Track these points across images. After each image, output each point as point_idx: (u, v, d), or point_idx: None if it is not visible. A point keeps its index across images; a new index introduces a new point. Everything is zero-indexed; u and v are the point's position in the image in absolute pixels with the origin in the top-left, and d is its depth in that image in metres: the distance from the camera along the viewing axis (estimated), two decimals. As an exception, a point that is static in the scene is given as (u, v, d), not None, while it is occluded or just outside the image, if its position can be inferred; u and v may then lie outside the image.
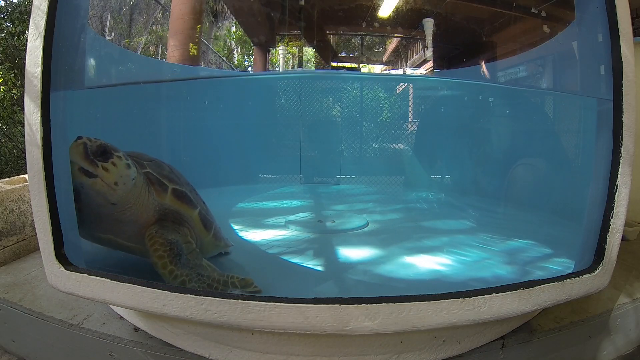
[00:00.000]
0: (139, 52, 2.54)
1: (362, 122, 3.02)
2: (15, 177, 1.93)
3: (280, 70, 3.17)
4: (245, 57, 3.47)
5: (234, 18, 3.36)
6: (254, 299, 0.96)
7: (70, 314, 1.25)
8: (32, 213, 1.10)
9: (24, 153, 1.21)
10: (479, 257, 1.55)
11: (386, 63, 3.47)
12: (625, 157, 1.08)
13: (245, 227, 1.86)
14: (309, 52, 3.23)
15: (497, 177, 2.40)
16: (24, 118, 1.10)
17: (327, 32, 3.21)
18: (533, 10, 2.08)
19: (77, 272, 1.03)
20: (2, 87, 3.98)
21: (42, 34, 1.00)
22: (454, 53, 3.13)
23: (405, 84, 3.04)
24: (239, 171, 2.80)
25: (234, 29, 3.37)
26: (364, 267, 1.46)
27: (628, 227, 1.89)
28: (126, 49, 2.34)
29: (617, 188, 1.09)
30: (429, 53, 2.86)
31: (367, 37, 3.37)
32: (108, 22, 2.05)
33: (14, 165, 3.85)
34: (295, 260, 1.51)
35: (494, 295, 1.01)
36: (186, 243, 1.18)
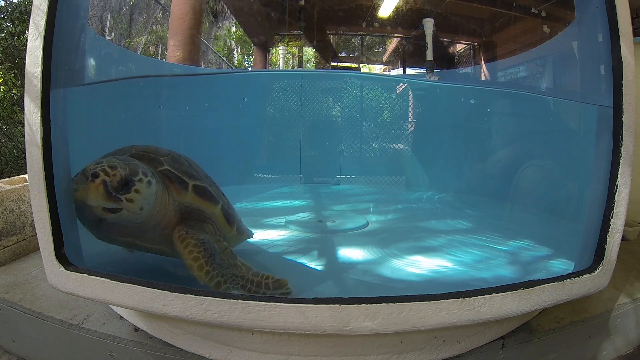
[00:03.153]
0: (139, 52, 2.54)
1: (362, 122, 3.02)
2: (15, 177, 1.93)
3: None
4: (245, 57, 3.47)
5: (234, 18, 3.37)
6: (253, 299, 0.96)
7: (70, 314, 1.25)
8: (32, 213, 1.10)
9: (24, 153, 1.21)
10: (479, 257, 1.55)
11: (386, 63, 3.48)
12: (625, 157, 1.08)
13: (245, 227, 1.86)
14: (309, 52, 3.23)
15: (497, 177, 2.40)
16: (24, 118, 1.09)
17: (327, 32, 3.21)
18: (533, 10, 2.08)
19: (77, 272, 1.03)
20: (2, 87, 3.98)
21: (42, 34, 1.00)
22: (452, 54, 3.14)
23: (405, 84, 3.04)
24: (239, 171, 2.80)
25: (234, 29, 3.37)
26: (364, 267, 1.46)
27: (628, 227, 1.89)
28: (126, 48, 2.34)
29: (617, 188, 1.09)
30: (429, 53, 2.86)
31: (367, 37, 3.37)
32: (108, 22, 2.05)
33: (14, 165, 3.85)
34: (296, 260, 1.51)
35: (494, 295, 1.01)
36: (217, 242, 1.14)
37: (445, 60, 3.13)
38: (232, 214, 1.30)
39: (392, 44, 3.37)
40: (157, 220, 1.10)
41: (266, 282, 1.09)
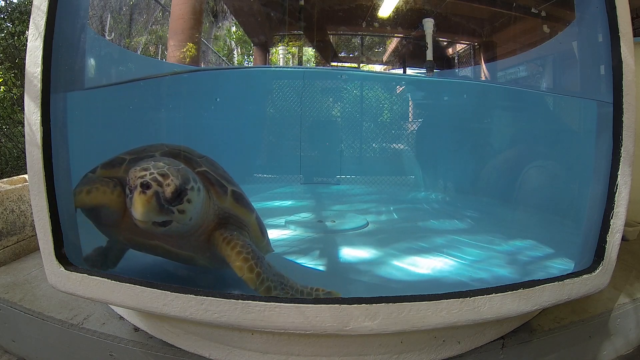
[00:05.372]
0: (139, 52, 2.54)
1: (362, 122, 3.02)
2: (15, 177, 1.93)
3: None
4: (245, 57, 3.47)
5: (234, 18, 3.36)
6: (254, 299, 0.96)
7: (70, 314, 1.25)
8: (32, 213, 1.10)
9: (24, 153, 1.21)
10: (479, 257, 1.55)
11: (386, 63, 3.48)
12: (625, 157, 1.09)
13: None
14: (309, 52, 3.23)
15: (497, 177, 2.40)
16: (24, 118, 1.09)
17: (328, 32, 3.21)
18: (533, 10, 2.08)
19: (77, 272, 1.03)
20: (2, 87, 3.98)
21: (42, 34, 1.00)
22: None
23: (405, 85, 3.04)
24: (239, 171, 2.80)
25: (234, 29, 3.37)
26: (364, 267, 1.46)
27: (628, 227, 1.89)
28: (126, 48, 2.34)
29: (617, 188, 1.09)
30: (429, 53, 2.86)
31: (367, 37, 3.37)
32: (108, 22, 2.05)
33: (14, 165, 3.85)
34: (296, 260, 1.51)
35: (493, 295, 1.01)
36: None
37: (445, 61, 3.13)
38: (263, 224, 1.23)
39: (392, 44, 3.37)
40: (197, 226, 1.02)
41: (317, 293, 1.04)
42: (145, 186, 0.84)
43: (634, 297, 1.41)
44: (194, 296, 0.96)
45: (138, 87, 2.05)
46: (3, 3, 4.24)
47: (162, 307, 0.98)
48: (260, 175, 2.86)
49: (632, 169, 1.10)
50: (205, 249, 1.07)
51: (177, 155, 1.07)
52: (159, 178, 0.86)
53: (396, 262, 1.49)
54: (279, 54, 3.16)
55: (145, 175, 0.85)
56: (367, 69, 3.47)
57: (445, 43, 3.11)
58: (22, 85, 3.29)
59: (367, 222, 2.00)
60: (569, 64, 1.77)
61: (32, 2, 1.02)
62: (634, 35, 1.11)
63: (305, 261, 1.51)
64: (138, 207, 0.85)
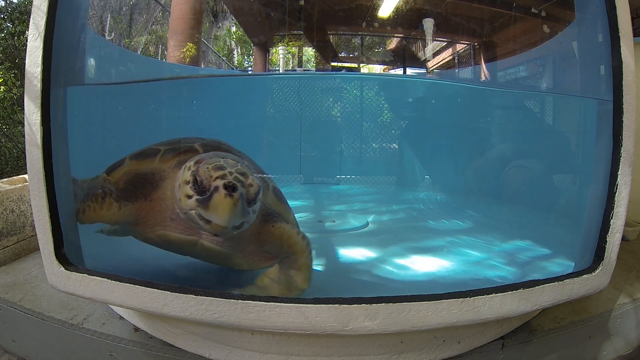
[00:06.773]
0: (139, 52, 2.54)
1: (362, 122, 3.02)
2: (15, 177, 1.93)
3: (281, 70, 3.16)
4: (245, 57, 3.47)
5: (234, 18, 3.36)
6: (253, 299, 0.96)
7: (70, 314, 1.25)
8: (32, 213, 1.10)
9: (24, 153, 1.21)
10: (479, 257, 1.55)
11: (386, 63, 3.47)
12: (625, 157, 1.09)
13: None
14: (309, 52, 3.23)
15: (497, 177, 2.40)
16: (24, 118, 1.09)
17: (328, 32, 3.21)
18: (533, 10, 2.08)
19: (77, 272, 1.03)
20: (2, 87, 3.98)
21: (42, 34, 1.00)
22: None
23: (406, 84, 3.04)
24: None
25: (234, 29, 3.37)
26: (364, 267, 1.46)
27: (628, 227, 1.89)
28: (126, 48, 2.34)
29: (617, 188, 1.09)
30: (428, 53, 2.86)
31: (367, 37, 3.37)
32: (108, 22, 2.05)
33: (14, 165, 3.85)
34: (295, 260, 1.50)
35: (493, 295, 1.01)
36: None
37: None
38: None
39: (392, 44, 3.37)
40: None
41: None
42: (231, 188, 0.76)
43: (634, 297, 1.41)
44: (194, 296, 0.96)
45: (138, 87, 2.05)
46: (3, 3, 4.24)
47: (162, 307, 0.98)
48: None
49: (632, 169, 1.10)
50: (248, 243, 1.00)
51: (218, 147, 0.99)
52: (241, 178, 0.78)
53: (396, 262, 1.49)
54: (279, 54, 3.17)
55: (225, 174, 0.77)
56: (367, 69, 3.47)
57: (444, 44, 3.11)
58: (22, 85, 3.29)
59: (367, 222, 2.00)
60: (569, 64, 1.77)
61: (32, 2, 1.02)
62: (634, 35, 1.11)
63: (305, 261, 1.51)
64: (224, 212, 0.76)
